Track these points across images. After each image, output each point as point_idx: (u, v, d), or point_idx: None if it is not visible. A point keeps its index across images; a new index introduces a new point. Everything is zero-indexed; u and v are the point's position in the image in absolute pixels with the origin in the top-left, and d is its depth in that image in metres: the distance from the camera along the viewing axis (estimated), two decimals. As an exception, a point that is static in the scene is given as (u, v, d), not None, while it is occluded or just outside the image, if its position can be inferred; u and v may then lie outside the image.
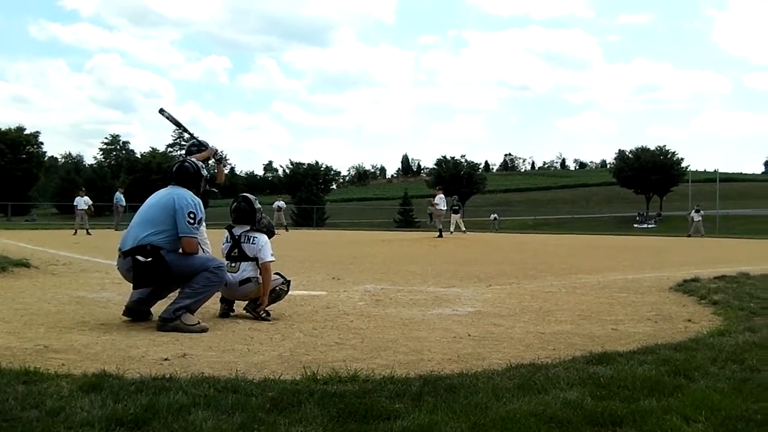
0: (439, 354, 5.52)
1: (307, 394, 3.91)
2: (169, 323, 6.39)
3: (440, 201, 32.60)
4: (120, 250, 6.84)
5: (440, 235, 30.81)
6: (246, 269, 7.36)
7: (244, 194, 7.89)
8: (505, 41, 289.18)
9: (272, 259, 7.42)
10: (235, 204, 7.71)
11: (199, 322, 6.51)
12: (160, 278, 6.72)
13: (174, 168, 7.23)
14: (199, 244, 7.50)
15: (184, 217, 6.72)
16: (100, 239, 25.64)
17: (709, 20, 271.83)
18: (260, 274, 7.38)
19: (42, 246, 19.65)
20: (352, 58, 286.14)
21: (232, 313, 7.43)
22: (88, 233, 31.96)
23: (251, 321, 7.03)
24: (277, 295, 7.52)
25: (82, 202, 34.23)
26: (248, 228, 7.56)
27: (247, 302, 7.41)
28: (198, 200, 6.97)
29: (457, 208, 40.38)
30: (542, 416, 3.57)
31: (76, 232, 32.29)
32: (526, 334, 6.59)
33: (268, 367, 4.92)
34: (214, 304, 7.34)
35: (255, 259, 7.40)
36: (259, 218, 7.70)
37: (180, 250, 6.79)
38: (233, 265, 7.37)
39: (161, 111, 9.01)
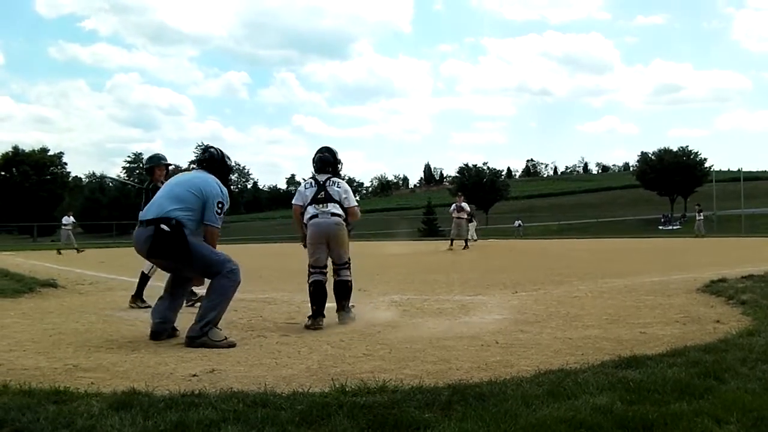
0: (467, 362, 5.51)
1: (336, 406, 3.91)
2: (196, 340, 6.40)
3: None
4: (141, 219, 6.86)
5: (466, 245, 30.39)
6: (333, 208, 8.06)
7: (327, 146, 8.51)
8: (523, 47, 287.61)
9: (356, 204, 8.36)
10: (318, 155, 8.37)
11: (226, 338, 6.52)
12: (178, 254, 6.66)
13: (199, 154, 7.40)
14: None
15: (213, 206, 6.74)
16: (126, 257, 25.75)
17: (727, 18, 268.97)
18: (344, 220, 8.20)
19: (68, 266, 19.80)
20: (371, 69, 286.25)
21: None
22: (78, 251, 32.05)
23: (279, 335, 7.05)
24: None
25: (70, 221, 34.77)
26: (330, 175, 8.23)
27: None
28: (225, 190, 6.99)
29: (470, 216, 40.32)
30: (572, 422, 3.56)
31: (59, 252, 32.37)
32: (554, 339, 6.56)
33: (296, 380, 4.92)
34: (240, 318, 7.35)
35: (339, 203, 8.10)
36: (340, 169, 8.47)
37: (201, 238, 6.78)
38: (321, 205, 8.05)
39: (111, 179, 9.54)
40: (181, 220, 6.62)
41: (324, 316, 7.80)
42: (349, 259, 8.34)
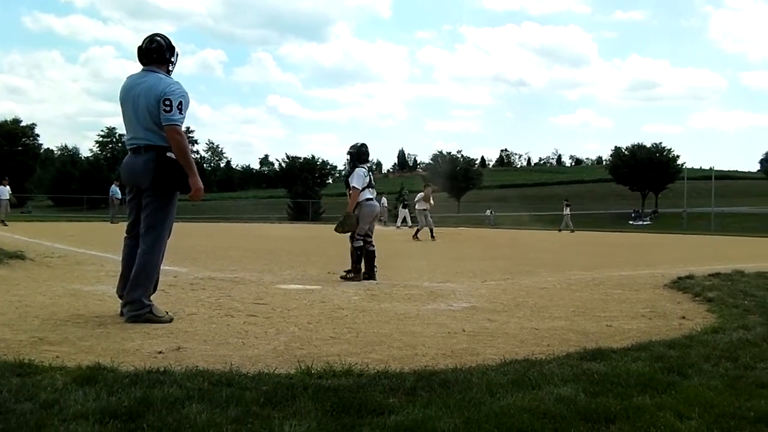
0: (433, 349, 5.52)
1: (301, 388, 3.90)
2: (141, 318, 6.34)
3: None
4: (130, 147, 6.57)
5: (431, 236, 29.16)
6: (375, 192, 11.13)
7: (363, 143, 11.10)
8: (501, 37, 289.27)
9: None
10: (364, 152, 11.00)
11: (167, 313, 6.54)
12: (177, 182, 6.50)
13: (143, 45, 6.62)
14: None
15: (161, 106, 6.28)
16: (95, 232, 25.59)
17: (704, 17, 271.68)
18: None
19: (37, 238, 19.60)
20: (348, 52, 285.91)
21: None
22: (4, 224, 31.26)
23: (246, 315, 7.01)
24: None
25: (6, 191, 33.64)
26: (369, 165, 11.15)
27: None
28: (174, 85, 6.43)
29: (407, 202, 40.99)
30: (536, 412, 3.57)
31: (4, 223, 31.61)
32: (521, 329, 6.59)
33: (262, 360, 4.91)
34: (208, 297, 7.30)
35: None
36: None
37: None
38: (372, 190, 10.92)
39: None
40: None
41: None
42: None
